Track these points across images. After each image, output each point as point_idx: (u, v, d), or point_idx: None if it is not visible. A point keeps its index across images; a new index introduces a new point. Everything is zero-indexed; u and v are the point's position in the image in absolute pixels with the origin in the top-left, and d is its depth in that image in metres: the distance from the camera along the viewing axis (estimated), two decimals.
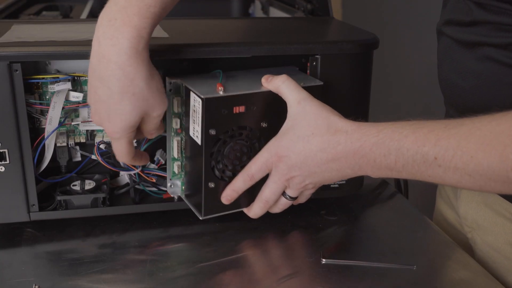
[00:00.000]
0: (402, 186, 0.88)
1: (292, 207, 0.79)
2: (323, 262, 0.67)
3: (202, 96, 0.62)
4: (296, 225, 0.75)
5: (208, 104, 0.62)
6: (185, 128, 0.68)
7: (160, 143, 0.73)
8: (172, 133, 0.69)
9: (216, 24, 0.84)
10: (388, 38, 1.77)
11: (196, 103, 0.63)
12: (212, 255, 0.68)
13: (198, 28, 0.77)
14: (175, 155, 0.70)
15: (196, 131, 0.65)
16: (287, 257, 0.69)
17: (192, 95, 0.64)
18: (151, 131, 0.64)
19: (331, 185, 0.77)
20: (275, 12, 1.26)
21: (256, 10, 1.45)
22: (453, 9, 0.70)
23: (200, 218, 0.68)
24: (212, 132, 0.63)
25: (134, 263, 0.66)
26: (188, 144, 0.68)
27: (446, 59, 0.71)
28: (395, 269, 0.66)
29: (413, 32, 1.90)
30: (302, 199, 0.70)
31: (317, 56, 0.71)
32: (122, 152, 0.62)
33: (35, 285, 0.61)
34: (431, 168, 0.54)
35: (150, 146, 0.73)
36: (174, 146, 0.69)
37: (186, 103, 0.67)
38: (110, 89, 0.57)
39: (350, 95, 0.73)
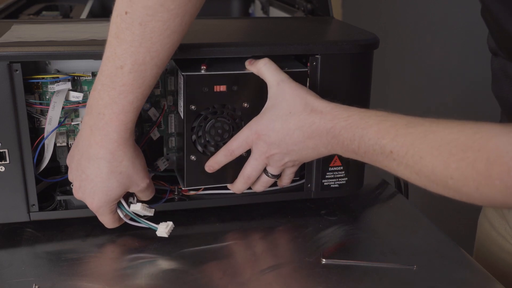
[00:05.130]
0: (402, 186, 0.88)
1: (291, 206, 0.79)
2: (323, 262, 0.67)
3: (183, 73, 0.66)
4: (296, 225, 0.75)
5: (189, 81, 0.66)
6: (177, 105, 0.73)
7: (159, 151, 0.76)
8: (167, 110, 0.74)
9: (216, 24, 0.84)
10: (388, 38, 1.77)
11: (180, 80, 0.68)
12: (212, 256, 0.68)
13: (198, 28, 0.77)
14: (170, 131, 0.75)
15: (180, 106, 0.70)
16: (287, 257, 0.69)
17: (179, 73, 0.69)
18: (143, 198, 0.69)
19: (331, 185, 0.77)
20: (275, 12, 1.26)
21: (256, 10, 1.45)
22: None
23: (183, 188, 0.72)
24: (193, 107, 0.68)
25: (135, 263, 0.66)
26: (177, 120, 0.74)
27: (505, 79, 0.67)
28: (395, 269, 0.66)
29: (413, 32, 1.90)
30: (285, 180, 0.72)
31: (317, 56, 0.71)
32: (109, 222, 0.68)
33: (35, 285, 0.61)
34: (387, 160, 0.57)
35: (151, 153, 0.75)
36: (169, 122, 0.75)
37: (176, 81, 0.72)
38: (99, 169, 0.63)
39: (350, 95, 0.73)
